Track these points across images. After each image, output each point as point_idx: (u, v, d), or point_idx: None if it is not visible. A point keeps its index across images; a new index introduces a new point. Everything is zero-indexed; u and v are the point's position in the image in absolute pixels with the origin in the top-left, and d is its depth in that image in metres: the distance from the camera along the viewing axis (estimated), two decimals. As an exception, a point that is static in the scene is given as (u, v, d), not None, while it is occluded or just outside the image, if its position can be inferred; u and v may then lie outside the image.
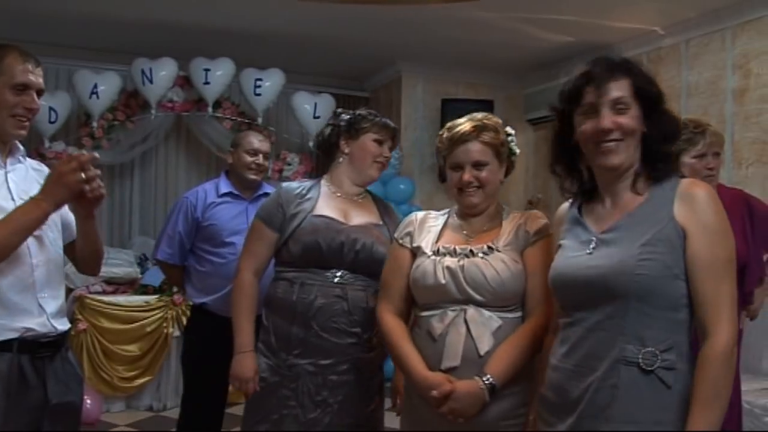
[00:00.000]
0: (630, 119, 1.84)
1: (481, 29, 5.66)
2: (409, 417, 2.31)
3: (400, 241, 2.36)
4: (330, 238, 2.57)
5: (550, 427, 1.88)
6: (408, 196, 6.37)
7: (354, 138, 2.75)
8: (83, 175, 2.00)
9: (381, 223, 2.72)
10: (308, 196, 2.69)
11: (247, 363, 2.60)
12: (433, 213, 2.42)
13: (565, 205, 2.05)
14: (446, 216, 2.39)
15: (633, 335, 1.73)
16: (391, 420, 2.68)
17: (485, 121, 2.29)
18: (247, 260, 2.71)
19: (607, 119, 1.82)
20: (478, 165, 2.25)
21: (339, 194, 2.73)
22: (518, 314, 2.18)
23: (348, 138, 2.76)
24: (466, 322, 2.12)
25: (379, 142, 2.76)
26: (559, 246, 1.96)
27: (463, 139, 2.25)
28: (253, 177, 3.48)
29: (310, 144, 6.61)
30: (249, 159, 3.46)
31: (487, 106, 6.52)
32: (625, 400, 1.72)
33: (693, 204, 1.78)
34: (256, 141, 3.51)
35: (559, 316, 1.95)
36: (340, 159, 2.77)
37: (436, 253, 2.23)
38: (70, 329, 2.27)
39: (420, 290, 2.24)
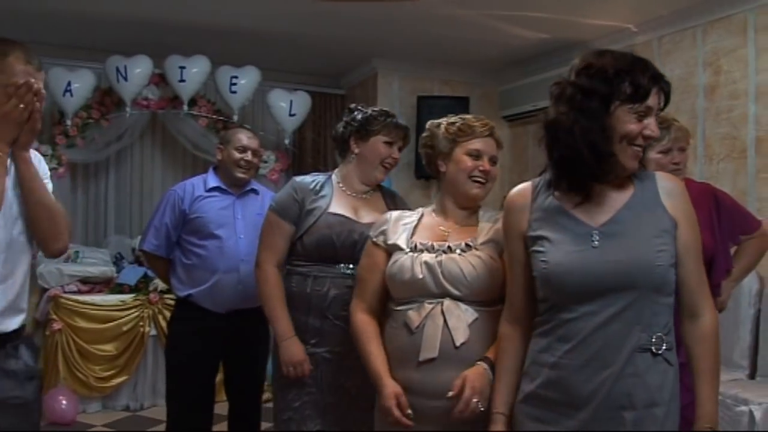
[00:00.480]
0: None
1: (457, 26, 5.69)
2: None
3: (374, 240, 2.41)
4: (344, 235, 2.68)
5: (548, 425, 1.88)
6: (384, 193, 6.39)
7: (364, 139, 2.82)
8: (19, 103, 2.03)
9: None
10: (322, 193, 2.79)
11: (295, 348, 2.69)
12: (407, 213, 2.47)
13: (522, 192, 2.02)
14: (420, 214, 2.44)
15: (645, 323, 1.81)
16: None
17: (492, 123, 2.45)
18: (266, 254, 2.79)
19: (657, 128, 1.85)
20: (493, 159, 2.39)
21: (349, 192, 2.82)
22: (496, 308, 2.19)
23: (358, 139, 2.83)
24: (443, 313, 2.16)
25: (389, 144, 2.82)
26: (539, 237, 1.91)
27: (486, 132, 2.39)
28: (241, 175, 3.48)
29: (286, 141, 6.63)
30: (238, 156, 3.45)
31: (462, 103, 6.56)
32: (645, 385, 1.80)
33: (675, 196, 1.89)
34: (246, 138, 3.50)
35: (546, 312, 1.92)
36: (351, 157, 2.85)
37: (414, 249, 2.29)
38: (22, 327, 2.20)
39: (397, 285, 2.28)
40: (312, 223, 2.71)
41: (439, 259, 2.22)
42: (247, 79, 6.27)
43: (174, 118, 6.36)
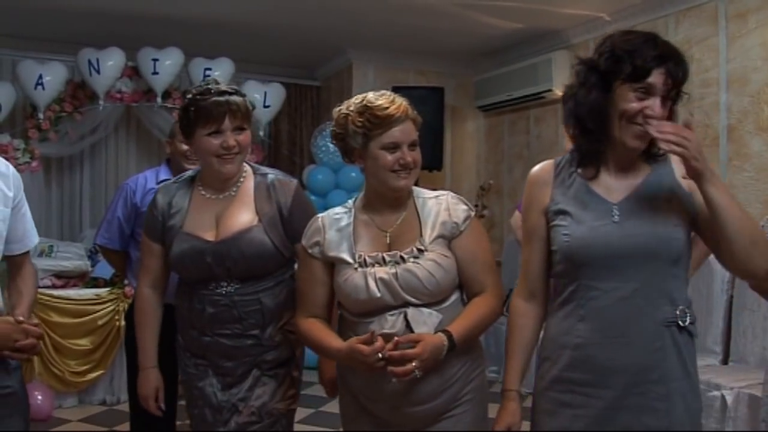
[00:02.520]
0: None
1: (431, 16, 5.69)
2: (348, 409, 2.27)
3: (309, 251, 2.21)
4: (197, 260, 2.39)
5: (576, 409, 1.88)
6: (359, 183, 6.35)
7: (190, 137, 2.42)
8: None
9: (255, 222, 2.43)
10: (177, 206, 2.48)
11: (146, 381, 2.54)
12: (337, 211, 2.25)
13: (545, 168, 2.03)
14: (351, 211, 2.24)
15: (668, 298, 1.83)
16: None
17: (403, 99, 2.17)
18: (142, 275, 2.58)
19: (659, 108, 1.83)
20: (413, 145, 2.14)
21: (209, 195, 2.48)
22: (454, 298, 2.15)
23: (186, 136, 2.45)
24: (407, 322, 2.06)
25: (216, 134, 2.36)
26: (561, 212, 1.92)
27: (401, 118, 2.11)
28: (190, 166, 3.42)
29: (261, 133, 6.60)
30: (185, 147, 3.41)
31: (437, 93, 6.58)
32: (673, 358, 1.83)
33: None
34: None
35: (566, 291, 1.92)
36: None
37: (363, 264, 2.12)
38: None
39: (352, 303, 2.13)
40: (170, 244, 2.44)
41: (394, 271, 2.07)
42: (221, 71, 6.21)
43: (148, 111, 6.31)
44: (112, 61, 5.89)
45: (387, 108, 2.10)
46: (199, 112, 2.35)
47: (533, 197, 2.02)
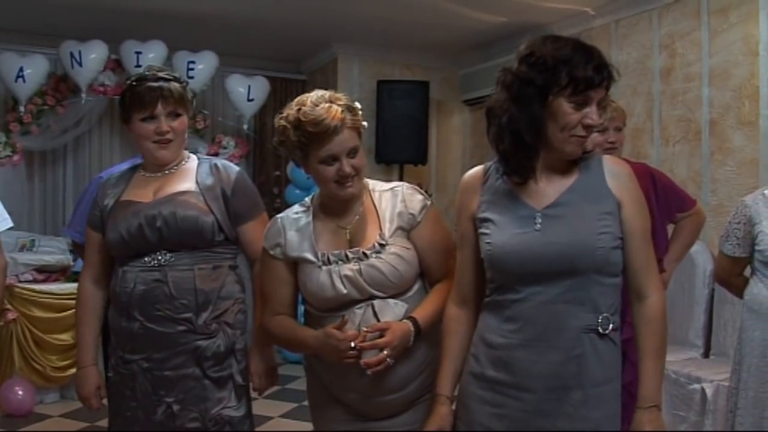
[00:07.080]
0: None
1: (416, 10, 5.67)
2: (317, 398, 2.28)
3: (271, 253, 2.20)
4: (128, 223, 2.33)
5: (495, 408, 1.88)
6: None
7: (127, 122, 2.42)
8: None
9: (193, 189, 2.40)
10: (117, 186, 2.47)
11: (85, 379, 2.45)
12: (296, 210, 2.25)
13: (474, 175, 2.03)
14: (309, 210, 2.23)
15: (590, 304, 1.82)
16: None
17: (342, 102, 2.13)
18: (84, 269, 2.53)
19: (597, 117, 1.82)
20: (353, 152, 2.10)
21: (149, 175, 2.46)
22: (417, 287, 2.18)
23: (124, 121, 2.44)
24: (375, 314, 2.08)
25: (150, 119, 2.37)
26: (486, 219, 1.92)
27: (336, 130, 2.06)
28: None
29: (245, 127, 6.58)
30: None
31: (423, 87, 6.58)
32: (591, 365, 1.82)
33: (621, 179, 1.89)
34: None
35: (493, 292, 1.92)
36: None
37: (327, 262, 2.12)
38: None
39: (319, 300, 2.14)
40: (105, 220, 2.40)
41: (357, 268, 2.08)
42: (205, 64, 6.20)
43: (131, 105, 6.26)
44: (95, 53, 5.86)
45: (322, 120, 2.05)
46: (134, 97, 2.37)
47: (463, 204, 2.02)
